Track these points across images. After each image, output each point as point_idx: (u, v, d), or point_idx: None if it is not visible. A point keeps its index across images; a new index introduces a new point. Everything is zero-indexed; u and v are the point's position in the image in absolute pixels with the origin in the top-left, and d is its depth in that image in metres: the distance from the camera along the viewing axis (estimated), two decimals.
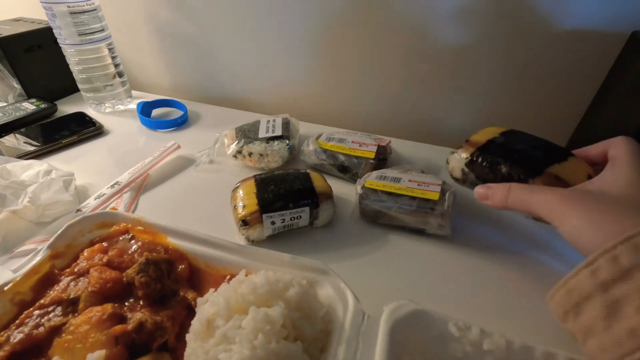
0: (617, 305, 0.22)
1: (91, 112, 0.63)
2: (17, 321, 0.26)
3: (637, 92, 0.37)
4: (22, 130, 0.56)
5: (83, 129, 0.57)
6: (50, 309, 0.27)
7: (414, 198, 0.38)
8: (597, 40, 0.45)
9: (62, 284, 0.29)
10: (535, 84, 0.52)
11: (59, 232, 0.32)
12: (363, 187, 0.41)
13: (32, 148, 0.52)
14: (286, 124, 0.52)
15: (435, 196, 0.38)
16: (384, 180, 0.41)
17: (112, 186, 0.45)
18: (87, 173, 0.49)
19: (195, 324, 0.25)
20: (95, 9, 0.56)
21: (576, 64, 0.48)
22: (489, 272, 0.36)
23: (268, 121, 0.52)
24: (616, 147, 0.30)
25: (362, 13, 0.54)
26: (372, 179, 0.41)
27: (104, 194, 0.44)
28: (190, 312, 0.29)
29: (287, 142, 0.49)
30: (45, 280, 0.29)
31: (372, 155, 0.47)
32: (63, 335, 0.25)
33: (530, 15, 0.47)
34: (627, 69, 0.41)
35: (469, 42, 0.51)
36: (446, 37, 0.52)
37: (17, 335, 0.25)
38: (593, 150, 0.33)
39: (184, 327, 0.28)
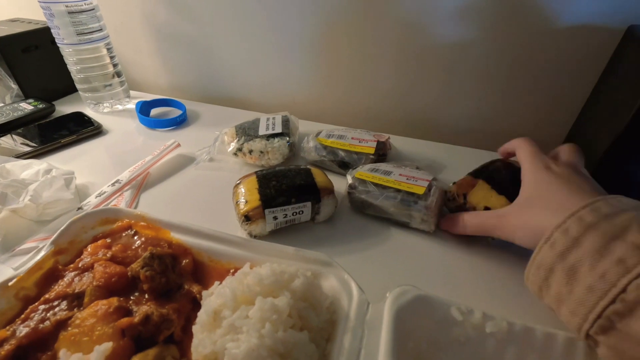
0: (574, 270, 0.25)
1: (89, 112, 0.63)
2: (23, 316, 0.26)
3: (629, 86, 0.38)
4: (20, 130, 0.56)
5: (82, 128, 0.57)
6: (56, 303, 0.27)
7: (399, 191, 0.39)
8: (594, 36, 0.46)
9: (66, 279, 0.29)
10: (533, 80, 0.52)
11: (62, 228, 0.32)
12: (354, 177, 0.42)
13: (30, 148, 0.52)
14: (286, 121, 0.52)
15: (420, 190, 0.38)
16: (376, 172, 0.42)
17: (113, 184, 0.45)
18: (87, 172, 0.49)
19: (202, 315, 0.25)
20: (93, 9, 0.56)
21: (573, 60, 0.49)
22: (487, 263, 0.37)
23: (268, 119, 0.53)
24: (518, 154, 0.37)
25: (359, 12, 0.55)
26: (364, 171, 0.42)
27: (104, 192, 0.44)
28: (196, 305, 0.29)
29: (287, 139, 0.49)
30: (49, 276, 0.29)
31: (372, 151, 0.47)
32: (69, 328, 0.25)
33: (527, 11, 0.47)
34: (622, 64, 0.42)
35: (466, 39, 0.52)
36: (444, 34, 0.53)
37: (22, 330, 0.25)
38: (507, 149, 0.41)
39: (190, 320, 0.28)
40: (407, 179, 0.40)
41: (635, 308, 0.21)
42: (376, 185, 0.40)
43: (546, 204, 0.30)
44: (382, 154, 0.48)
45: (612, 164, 0.38)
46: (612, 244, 0.24)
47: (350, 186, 0.42)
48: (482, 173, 0.40)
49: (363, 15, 0.55)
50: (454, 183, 0.40)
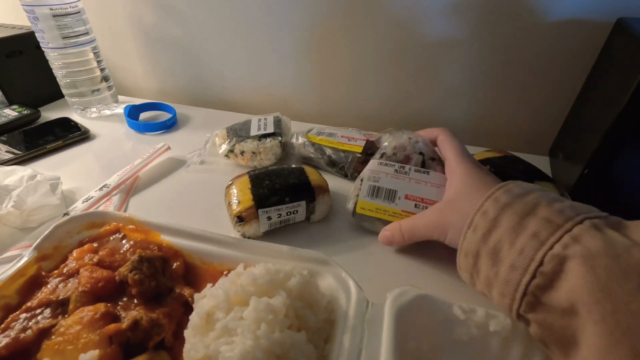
0: (496, 251, 0.25)
1: (77, 117, 0.62)
2: (3, 325, 0.25)
3: (618, 80, 0.37)
4: (4, 137, 0.54)
5: (68, 133, 0.55)
6: (38, 311, 0.26)
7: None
8: (584, 30, 0.46)
9: (50, 286, 0.27)
10: (524, 76, 0.53)
11: (45, 232, 0.31)
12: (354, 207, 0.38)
13: (14, 155, 0.50)
14: (278, 122, 0.51)
15: None
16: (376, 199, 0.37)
17: (101, 189, 0.44)
18: (74, 178, 0.47)
19: (194, 318, 0.24)
20: (79, 12, 0.55)
21: (563, 54, 0.49)
22: None
23: (259, 119, 0.52)
24: (443, 148, 0.36)
25: (350, 11, 0.55)
26: (365, 199, 0.38)
27: (92, 197, 0.42)
28: (188, 308, 0.27)
29: (280, 138, 0.48)
30: (32, 283, 0.28)
31: (360, 150, 0.46)
32: (52, 337, 0.24)
33: (517, 7, 0.47)
34: (612, 57, 0.42)
35: (458, 37, 0.52)
36: (435, 32, 0.53)
37: (2, 340, 0.24)
38: (427, 135, 0.39)
39: (181, 324, 0.27)
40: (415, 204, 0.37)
41: (554, 278, 0.22)
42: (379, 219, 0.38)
43: (477, 197, 0.29)
44: (370, 153, 0.47)
45: (603, 159, 0.38)
46: (525, 220, 0.24)
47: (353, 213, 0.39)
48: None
49: (354, 15, 0.55)
50: None
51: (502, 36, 0.50)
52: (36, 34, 0.55)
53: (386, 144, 0.39)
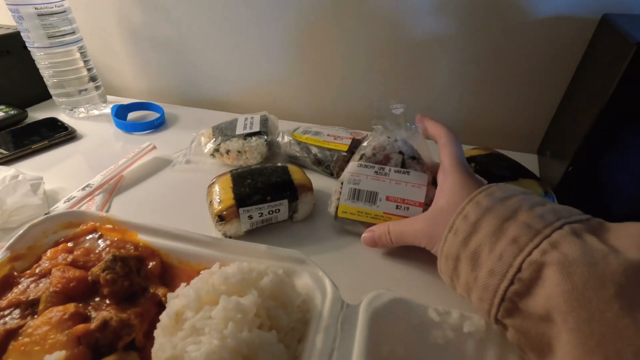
0: (476, 255, 0.25)
1: (64, 117, 0.61)
2: None
3: (603, 76, 0.37)
4: None
5: (54, 133, 0.55)
6: (7, 312, 0.25)
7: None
8: (570, 26, 0.46)
9: (21, 286, 0.27)
10: (511, 73, 0.52)
11: (19, 232, 0.30)
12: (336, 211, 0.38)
13: None
14: (264, 121, 0.51)
15: None
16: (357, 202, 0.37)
17: (84, 188, 0.43)
18: (59, 178, 0.47)
19: (164, 318, 0.24)
20: (65, 11, 0.55)
21: (550, 51, 0.49)
22: None
23: (246, 118, 0.52)
24: (442, 152, 0.34)
25: (340, 10, 0.54)
26: (346, 203, 0.37)
27: (74, 197, 0.42)
28: (161, 309, 0.27)
29: (265, 137, 0.48)
30: (3, 284, 0.27)
31: (346, 148, 0.46)
32: (20, 338, 0.23)
33: (504, 4, 0.47)
34: (597, 53, 0.41)
35: (446, 35, 0.52)
36: (423, 31, 0.52)
37: None
38: (429, 130, 0.37)
39: (154, 324, 0.26)
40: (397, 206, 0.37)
41: (531, 285, 0.22)
42: (362, 223, 0.37)
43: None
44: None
45: (587, 157, 0.38)
46: (506, 225, 0.24)
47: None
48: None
49: (343, 14, 0.54)
50: None
51: (490, 34, 0.50)
52: (22, 34, 0.54)
53: (365, 144, 0.39)
